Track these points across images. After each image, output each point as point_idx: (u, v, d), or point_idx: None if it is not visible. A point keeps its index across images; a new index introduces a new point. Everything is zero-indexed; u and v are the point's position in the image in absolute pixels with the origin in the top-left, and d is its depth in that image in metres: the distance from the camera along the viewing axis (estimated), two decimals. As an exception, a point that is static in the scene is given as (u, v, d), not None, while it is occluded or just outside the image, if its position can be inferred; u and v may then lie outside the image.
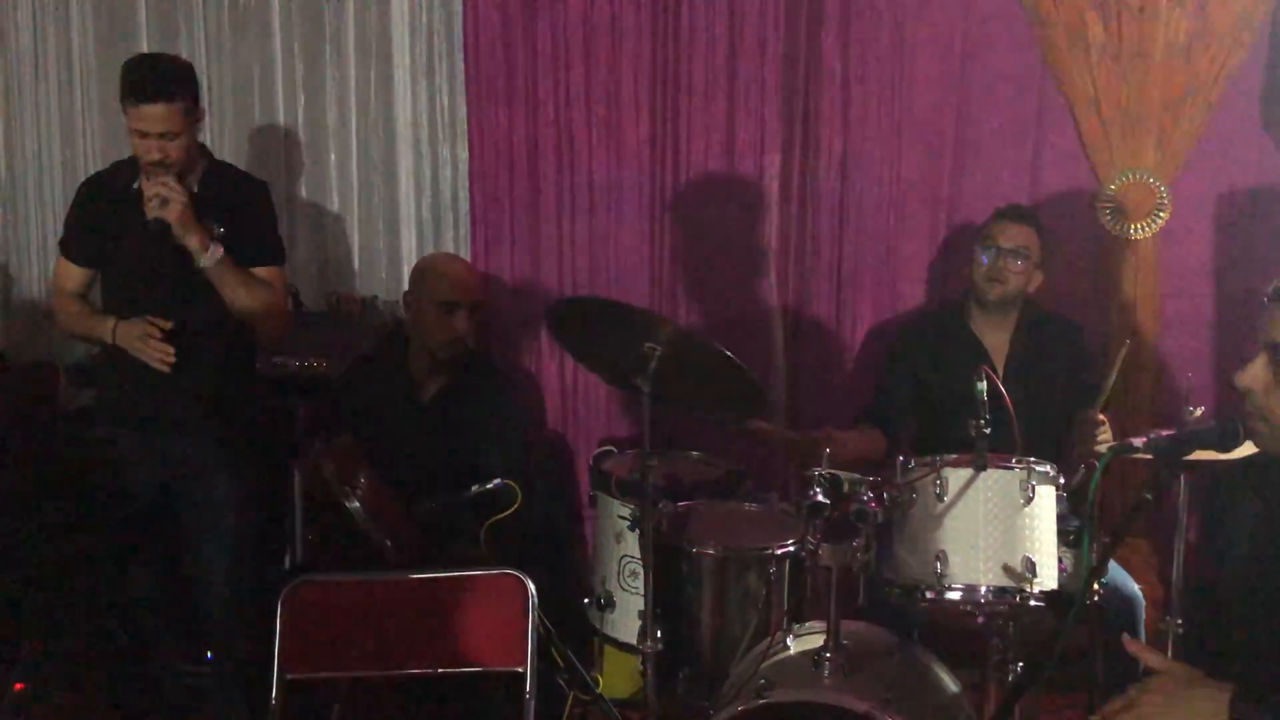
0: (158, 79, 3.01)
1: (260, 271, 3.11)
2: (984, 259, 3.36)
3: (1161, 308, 3.82)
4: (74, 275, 3.27)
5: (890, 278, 3.98)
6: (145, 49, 4.23)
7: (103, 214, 3.19)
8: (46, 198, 4.45)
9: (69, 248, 3.29)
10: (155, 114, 2.98)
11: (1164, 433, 1.88)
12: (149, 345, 3.00)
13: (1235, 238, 3.77)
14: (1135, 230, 3.76)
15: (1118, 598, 2.99)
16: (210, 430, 3.15)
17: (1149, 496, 1.85)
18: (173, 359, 3.00)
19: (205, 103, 3.34)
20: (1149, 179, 3.72)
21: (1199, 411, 2.72)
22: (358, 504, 2.86)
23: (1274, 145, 3.67)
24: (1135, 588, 3.06)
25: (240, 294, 3.04)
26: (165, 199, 2.95)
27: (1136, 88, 3.68)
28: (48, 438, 3.75)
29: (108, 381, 3.26)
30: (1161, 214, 3.73)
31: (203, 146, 3.24)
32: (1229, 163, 3.73)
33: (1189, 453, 1.83)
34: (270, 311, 3.11)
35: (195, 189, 3.11)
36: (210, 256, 2.99)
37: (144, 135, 3.00)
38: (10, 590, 3.42)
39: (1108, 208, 3.77)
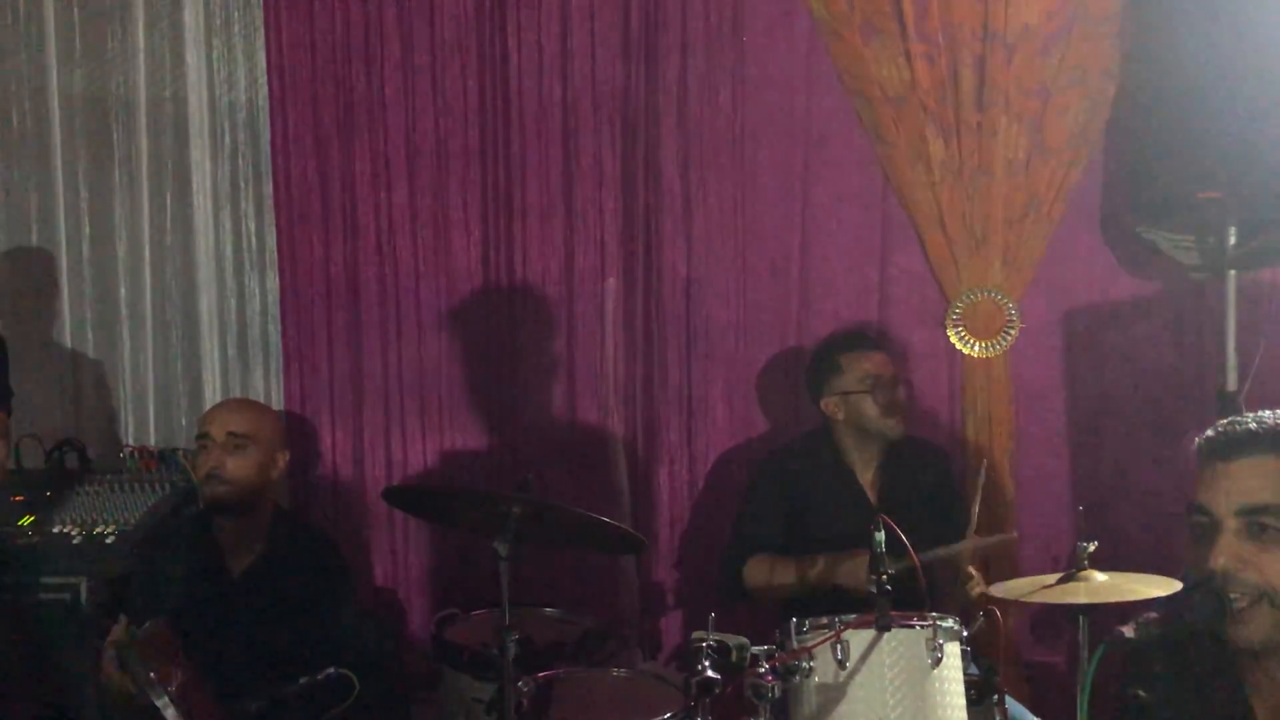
0: None
1: None
2: (871, 398, 3.19)
3: (1016, 425, 3.74)
4: None
5: (742, 404, 3.79)
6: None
7: None
8: None
9: None
10: None
11: (1151, 615, 1.67)
12: None
13: (1083, 353, 3.73)
14: (985, 348, 3.68)
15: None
16: None
17: (1140, 694, 1.64)
18: None
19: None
20: (996, 296, 3.66)
21: (1093, 547, 2.58)
22: (169, 702, 2.41)
23: (1116, 260, 3.67)
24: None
25: None
26: None
27: (980, 205, 3.63)
28: None
29: None
30: (1011, 331, 3.67)
31: None
32: (1074, 278, 3.70)
33: (1184, 636, 1.63)
34: None
35: None
36: None
37: None
38: None
39: (957, 327, 3.68)
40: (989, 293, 3.66)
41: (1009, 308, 3.65)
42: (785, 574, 3.12)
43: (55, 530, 3.25)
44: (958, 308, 3.67)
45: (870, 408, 3.18)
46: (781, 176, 3.73)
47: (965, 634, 2.35)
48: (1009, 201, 3.62)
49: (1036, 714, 2.85)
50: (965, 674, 2.35)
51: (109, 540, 3.20)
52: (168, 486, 3.43)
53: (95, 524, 3.26)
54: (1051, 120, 3.59)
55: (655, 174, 3.72)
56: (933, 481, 3.30)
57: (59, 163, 3.83)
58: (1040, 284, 3.69)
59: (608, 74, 3.70)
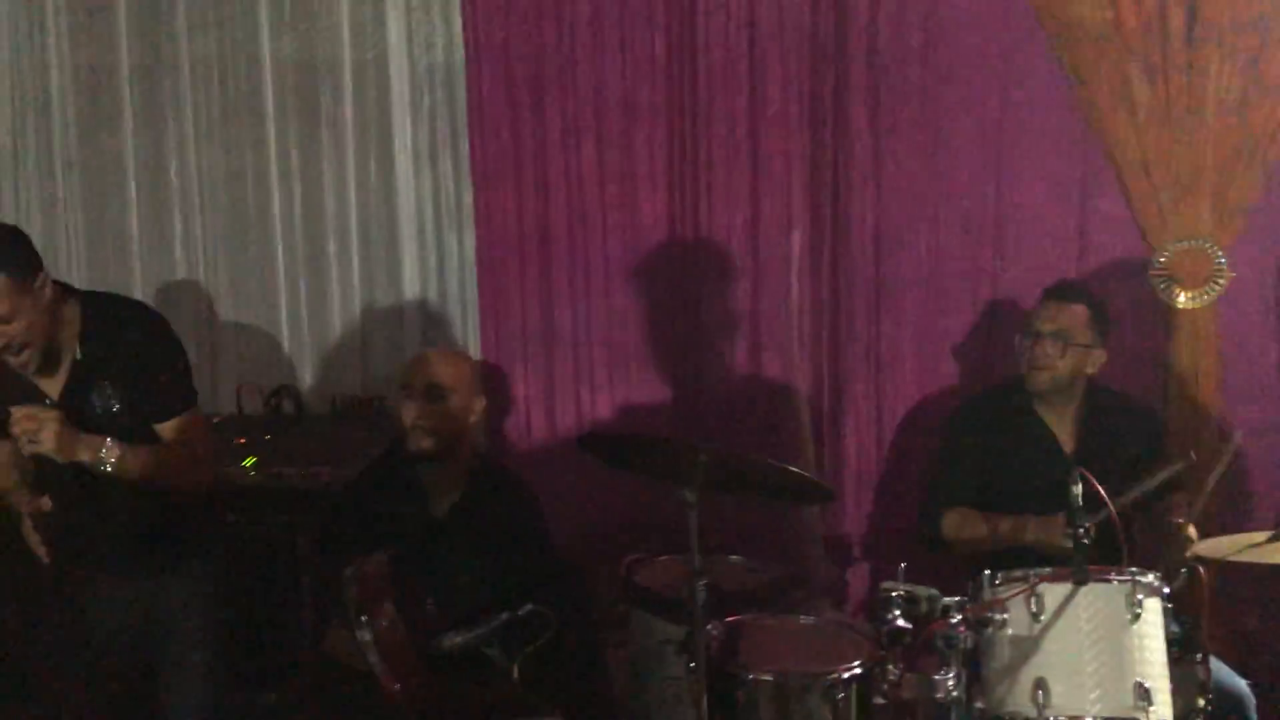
0: None
1: (166, 428, 2.74)
2: (1023, 345, 3.14)
3: (1223, 379, 3.57)
4: None
5: (932, 358, 3.74)
6: (130, 139, 4.03)
7: None
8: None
9: None
10: None
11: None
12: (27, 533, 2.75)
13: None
14: (1192, 299, 3.52)
15: (1225, 700, 2.69)
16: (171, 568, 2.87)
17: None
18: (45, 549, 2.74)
19: (49, 266, 2.66)
20: (1205, 245, 3.49)
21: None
22: (370, 637, 2.55)
23: (1338, 204, 3.45)
24: (1243, 684, 2.78)
25: (153, 473, 2.67)
26: (34, 433, 2.54)
27: (1188, 149, 3.47)
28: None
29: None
30: (1219, 281, 3.50)
31: (66, 289, 2.75)
32: (1291, 225, 3.50)
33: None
34: (189, 471, 2.76)
35: (78, 355, 2.71)
36: (107, 458, 2.60)
37: None
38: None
39: (1162, 277, 3.53)
40: (1197, 241, 3.49)
41: (1218, 256, 3.49)
42: (976, 528, 3.09)
43: (275, 472, 3.45)
44: (1162, 256, 3.53)
45: (1022, 354, 3.12)
46: (976, 121, 3.64)
47: (1167, 590, 2.29)
48: (1220, 144, 3.46)
49: (1244, 677, 2.75)
50: (1166, 631, 2.29)
51: (324, 481, 3.39)
52: (375, 431, 3.61)
53: (310, 465, 3.45)
54: (1270, 56, 3.40)
55: (843, 122, 3.67)
56: (1140, 444, 3.18)
57: (271, 124, 3.99)
58: (1253, 231, 3.51)
59: (795, 20, 3.65)
